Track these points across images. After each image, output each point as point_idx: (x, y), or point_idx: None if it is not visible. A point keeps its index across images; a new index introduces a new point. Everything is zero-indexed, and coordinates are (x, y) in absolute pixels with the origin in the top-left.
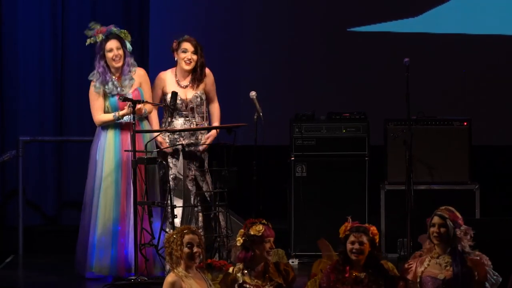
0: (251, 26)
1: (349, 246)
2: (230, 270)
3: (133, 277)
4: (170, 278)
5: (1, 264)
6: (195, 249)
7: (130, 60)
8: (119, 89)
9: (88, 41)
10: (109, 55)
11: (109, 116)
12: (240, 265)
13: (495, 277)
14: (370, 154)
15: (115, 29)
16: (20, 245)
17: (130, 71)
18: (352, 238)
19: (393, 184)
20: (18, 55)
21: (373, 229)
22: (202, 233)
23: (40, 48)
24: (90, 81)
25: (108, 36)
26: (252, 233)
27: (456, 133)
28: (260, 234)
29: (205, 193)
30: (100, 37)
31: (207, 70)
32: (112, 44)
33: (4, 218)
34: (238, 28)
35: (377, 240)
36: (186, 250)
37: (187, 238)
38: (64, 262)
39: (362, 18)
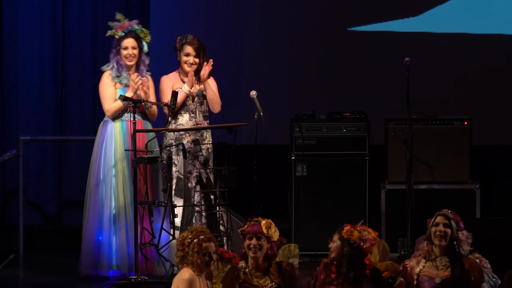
0: (251, 26)
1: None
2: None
3: (134, 277)
4: (187, 274)
5: (1, 263)
6: (214, 257)
7: (146, 60)
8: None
9: (109, 32)
10: (123, 52)
11: (118, 103)
12: (243, 264)
13: (494, 279)
14: (370, 153)
15: (137, 26)
16: (21, 244)
17: (146, 72)
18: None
19: (393, 184)
20: (18, 54)
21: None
22: None
23: (40, 47)
24: (90, 80)
25: (127, 34)
26: (239, 231)
27: (456, 133)
28: (241, 231)
29: (208, 192)
30: (119, 33)
31: (211, 79)
32: (129, 42)
33: (4, 217)
34: (238, 28)
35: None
36: (205, 258)
37: (205, 246)
38: (64, 262)
39: (362, 18)
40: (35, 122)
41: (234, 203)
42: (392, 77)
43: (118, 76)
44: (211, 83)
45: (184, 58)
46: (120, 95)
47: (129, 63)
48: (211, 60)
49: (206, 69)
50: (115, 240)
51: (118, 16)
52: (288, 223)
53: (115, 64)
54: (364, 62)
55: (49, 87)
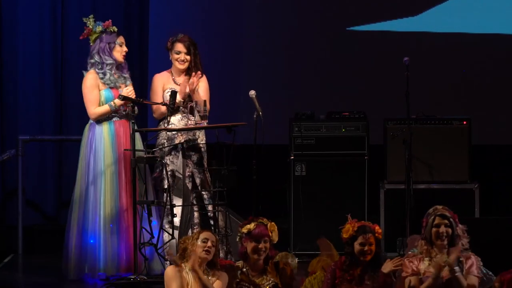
0: (250, 26)
1: (358, 247)
2: None
3: (133, 276)
4: (169, 269)
5: (0, 263)
6: (209, 243)
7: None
8: (116, 83)
9: (100, 28)
10: (120, 49)
11: (106, 107)
12: (240, 263)
13: (488, 275)
14: (369, 153)
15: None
16: (20, 244)
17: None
18: (361, 239)
19: (392, 183)
20: (18, 54)
21: (378, 228)
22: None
23: (40, 47)
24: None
25: (118, 31)
26: (242, 230)
27: (455, 132)
28: (246, 231)
29: (202, 192)
30: (115, 28)
31: (203, 78)
32: (123, 39)
33: (4, 217)
34: (238, 27)
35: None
36: (201, 244)
37: (204, 234)
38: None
39: (361, 17)
40: (34, 122)
41: (233, 203)
42: (392, 77)
43: (105, 76)
44: (202, 84)
45: (175, 56)
46: (120, 95)
47: (122, 60)
48: (199, 72)
49: (194, 80)
50: (103, 242)
51: (90, 20)
52: (287, 223)
53: (108, 62)
54: (364, 62)
55: (49, 87)
